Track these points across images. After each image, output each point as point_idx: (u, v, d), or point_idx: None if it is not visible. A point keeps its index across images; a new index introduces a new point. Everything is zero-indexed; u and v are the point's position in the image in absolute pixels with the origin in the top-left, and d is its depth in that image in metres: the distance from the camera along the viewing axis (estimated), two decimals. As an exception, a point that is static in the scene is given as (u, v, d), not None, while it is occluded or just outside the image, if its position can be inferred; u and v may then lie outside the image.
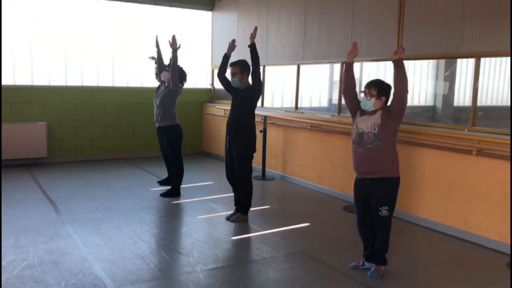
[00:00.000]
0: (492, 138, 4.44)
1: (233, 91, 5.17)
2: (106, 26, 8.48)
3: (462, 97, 5.27)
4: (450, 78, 5.36)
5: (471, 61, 4.86)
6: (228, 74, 5.21)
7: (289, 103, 7.57)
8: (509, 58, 4.51)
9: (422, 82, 5.77)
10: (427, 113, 5.82)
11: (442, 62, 5.41)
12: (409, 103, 5.75)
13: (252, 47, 5.00)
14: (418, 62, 5.58)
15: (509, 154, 4.26)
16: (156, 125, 6.18)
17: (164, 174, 6.75)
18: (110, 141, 8.65)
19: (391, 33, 5.59)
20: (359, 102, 3.83)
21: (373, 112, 3.71)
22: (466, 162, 4.72)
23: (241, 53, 8.51)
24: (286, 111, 7.47)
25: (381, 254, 3.85)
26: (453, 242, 4.70)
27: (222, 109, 8.51)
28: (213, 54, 9.39)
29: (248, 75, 5.10)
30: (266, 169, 7.48)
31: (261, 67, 7.93)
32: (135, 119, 8.78)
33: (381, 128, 3.62)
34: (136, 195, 6.11)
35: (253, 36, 5.04)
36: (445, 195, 4.94)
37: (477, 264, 4.20)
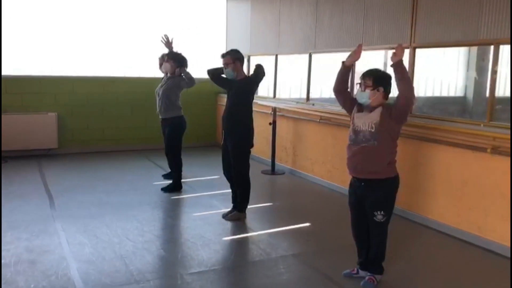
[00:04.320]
0: (508, 135, 3.99)
1: (228, 84, 4.89)
2: (117, 15, 8.32)
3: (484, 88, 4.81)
4: (478, 67, 4.89)
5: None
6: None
7: (301, 93, 7.22)
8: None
9: (440, 72, 5.33)
10: (445, 105, 5.38)
11: (464, 50, 4.94)
12: (428, 94, 5.39)
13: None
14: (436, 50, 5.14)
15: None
16: (160, 117, 5.97)
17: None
18: (122, 132, 8.54)
19: (404, 18, 5.15)
20: (352, 99, 3.52)
21: (372, 109, 3.34)
22: (481, 161, 4.28)
23: (255, 42, 8.25)
24: (297, 102, 7.13)
25: (376, 262, 3.51)
26: (464, 248, 4.30)
27: (234, 100, 8.24)
28: (228, 42, 9.11)
29: (242, 64, 4.82)
30: (277, 162, 7.19)
31: (273, 56, 7.70)
32: (147, 109, 8.57)
33: (379, 127, 3.26)
34: (137, 188, 5.95)
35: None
36: (458, 195, 4.52)
37: (489, 274, 3.81)
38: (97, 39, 8.21)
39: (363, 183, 3.41)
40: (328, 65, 6.70)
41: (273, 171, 7.10)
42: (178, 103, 5.90)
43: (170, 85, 5.80)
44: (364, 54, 5.82)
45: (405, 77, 3.21)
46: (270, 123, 7.00)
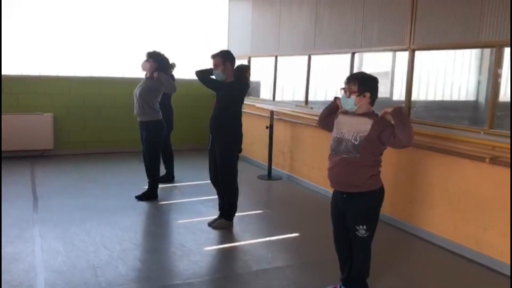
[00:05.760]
0: (508, 145, 3.71)
1: (217, 86, 4.68)
2: (116, 14, 8.19)
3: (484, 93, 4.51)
4: (479, 71, 4.60)
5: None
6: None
7: (300, 96, 6.98)
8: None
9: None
10: (443, 111, 5.10)
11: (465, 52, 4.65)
12: (430, 98, 5.12)
13: None
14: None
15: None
16: (138, 119, 5.64)
17: (162, 170, 6.34)
18: (120, 134, 8.38)
19: (403, 20, 4.89)
20: (331, 122, 3.31)
21: (360, 115, 3.10)
22: (480, 171, 4.01)
23: (255, 43, 8.04)
24: (296, 105, 6.90)
25: (360, 279, 3.27)
26: (461, 264, 4.02)
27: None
28: (229, 43, 8.92)
29: (232, 66, 4.59)
30: (274, 167, 6.97)
31: (273, 58, 7.48)
32: (145, 111, 8.46)
33: (364, 141, 3.00)
34: (126, 193, 5.75)
35: None
36: (455, 207, 4.25)
37: (484, 293, 3.55)
38: (94, 39, 8.09)
39: (344, 195, 3.17)
40: (328, 67, 6.49)
41: (269, 176, 6.88)
42: (156, 106, 5.51)
43: (148, 87, 5.42)
44: (364, 55, 5.67)
45: (405, 125, 2.91)
46: (266, 127, 6.79)
